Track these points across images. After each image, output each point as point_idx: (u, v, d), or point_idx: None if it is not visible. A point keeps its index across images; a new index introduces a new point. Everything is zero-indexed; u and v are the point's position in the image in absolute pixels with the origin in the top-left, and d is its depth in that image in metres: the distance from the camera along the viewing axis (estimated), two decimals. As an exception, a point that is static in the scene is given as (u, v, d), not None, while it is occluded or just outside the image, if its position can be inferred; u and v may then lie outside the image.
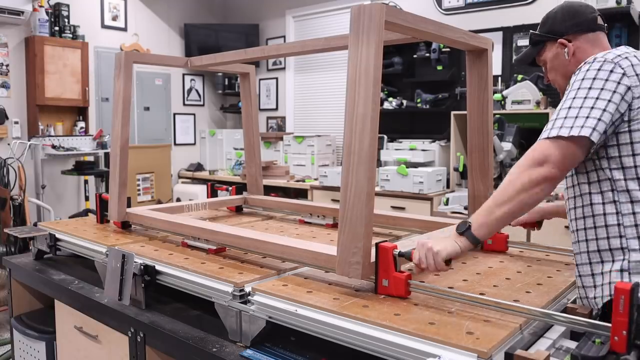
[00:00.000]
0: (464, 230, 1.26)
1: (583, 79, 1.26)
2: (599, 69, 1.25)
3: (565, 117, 1.22)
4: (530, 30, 1.59)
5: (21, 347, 2.17)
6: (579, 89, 1.26)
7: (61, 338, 1.95)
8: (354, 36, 1.28)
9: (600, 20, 1.48)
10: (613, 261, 1.25)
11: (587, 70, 1.27)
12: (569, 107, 1.24)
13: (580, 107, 1.22)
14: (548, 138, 1.22)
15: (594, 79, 1.25)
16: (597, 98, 1.22)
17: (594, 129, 1.19)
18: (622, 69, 1.24)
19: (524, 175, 1.22)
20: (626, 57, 1.27)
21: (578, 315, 1.21)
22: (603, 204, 1.27)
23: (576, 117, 1.21)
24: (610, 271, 1.25)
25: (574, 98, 1.25)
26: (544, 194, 1.22)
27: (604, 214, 1.27)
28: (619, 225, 1.25)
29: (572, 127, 1.20)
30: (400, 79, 5.00)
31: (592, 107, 1.21)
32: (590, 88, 1.24)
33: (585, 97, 1.23)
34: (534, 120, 4.14)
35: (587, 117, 1.20)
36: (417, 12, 1.50)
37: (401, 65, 4.91)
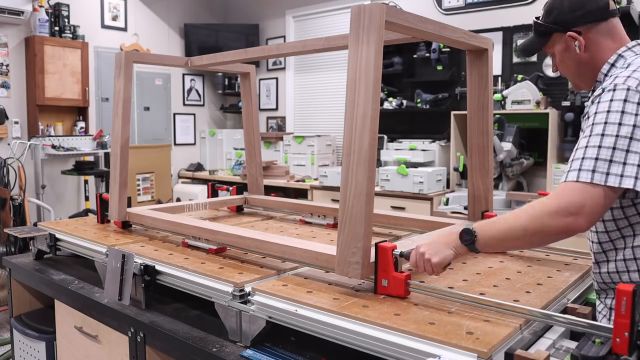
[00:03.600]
0: (468, 242, 1.21)
1: (609, 112, 1.12)
2: (625, 100, 1.12)
3: (597, 159, 1.09)
4: (534, 18, 1.41)
5: (21, 347, 2.17)
6: (606, 123, 1.11)
7: (61, 338, 1.95)
8: (354, 36, 1.28)
9: (612, 5, 1.31)
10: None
11: (611, 100, 1.13)
12: (599, 146, 1.10)
13: (614, 149, 1.09)
14: (578, 181, 1.08)
15: (623, 112, 1.11)
16: (631, 138, 1.09)
17: (636, 177, 1.07)
18: None
19: (548, 220, 1.09)
20: None
21: (578, 316, 1.21)
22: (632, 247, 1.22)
23: (610, 160, 1.08)
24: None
25: (602, 135, 1.11)
26: (559, 240, 1.14)
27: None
28: None
29: (607, 174, 1.07)
30: (400, 79, 5.00)
31: (628, 151, 1.09)
32: (620, 124, 1.10)
33: (617, 136, 1.09)
34: (534, 120, 4.14)
35: (625, 164, 1.08)
36: (417, 12, 1.50)
37: (401, 65, 4.91)
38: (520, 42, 4.36)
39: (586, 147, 1.12)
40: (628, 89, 1.12)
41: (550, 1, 1.37)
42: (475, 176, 1.80)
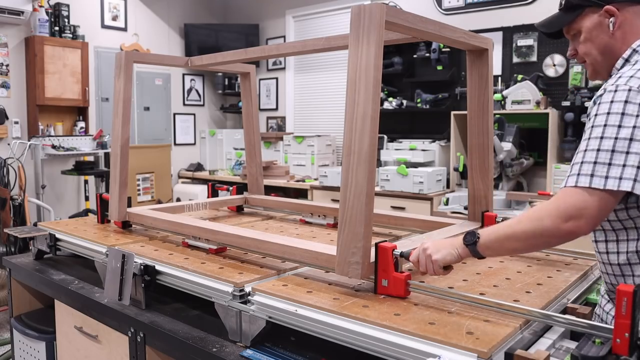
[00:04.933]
0: (470, 243, 1.21)
1: (609, 114, 1.10)
2: (625, 102, 1.09)
3: (595, 162, 1.08)
4: None
5: (21, 347, 2.17)
6: (605, 125, 1.09)
7: (61, 338, 1.95)
8: (354, 36, 1.28)
9: None
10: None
11: (611, 102, 1.11)
12: (598, 150, 1.09)
13: (613, 151, 1.07)
14: (577, 186, 1.08)
15: (623, 114, 1.08)
16: (630, 139, 1.07)
17: (635, 180, 1.05)
18: None
19: (549, 223, 1.10)
20: None
21: (578, 316, 1.21)
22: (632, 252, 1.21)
23: (609, 164, 1.07)
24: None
25: (601, 138, 1.09)
26: (561, 243, 1.14)
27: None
28: None
29: (606, 178, 1.06)
30: (400, 79, 5.00)
31: (628, 152, 1.07)
32: (620, 126, 1.08)
33: (616, 138, 1.08)
34: (534, 120, 4.15)
35: (624, 166, 1.06)
36: (417, 12, 1.50)
37: (401, 65, 4.91)
38: (520, 42, 4.36)
39: (585, 150, 1.11)
40: (629, 90, 1.09)
41: None
42: (475, 176, 1.80)
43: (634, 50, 1.22)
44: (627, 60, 1.23)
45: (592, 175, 1.08)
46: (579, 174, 1.09)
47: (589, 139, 1.12)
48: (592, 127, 1.12)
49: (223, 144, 6.20)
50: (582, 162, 1.10)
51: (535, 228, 1.12)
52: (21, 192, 4.26)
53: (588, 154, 1.10)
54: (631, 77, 1.12)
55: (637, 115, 1.08)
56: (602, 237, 1.26)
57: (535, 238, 1.13)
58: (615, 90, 1.11)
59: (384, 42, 1.30)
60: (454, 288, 1.33)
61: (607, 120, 1.10)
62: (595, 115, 1.13)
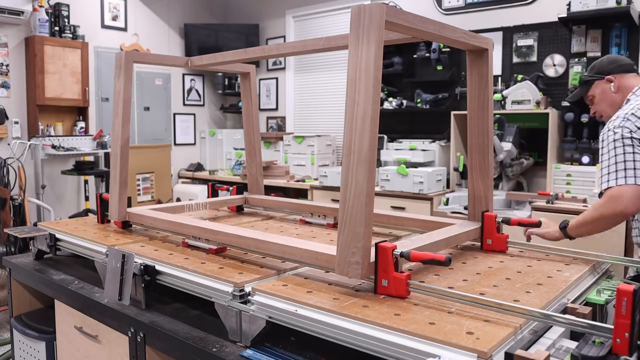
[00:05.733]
0: (562, 227, 1.95)
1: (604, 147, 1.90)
2: (614, 141, 1.87)
3: (616, 170, 1.83)
4: (581, 75, 2.21)
5: (21, 347, 2.18)
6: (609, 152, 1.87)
7: (61, 338, 1.95)
8: (354, 36, 1.28)
9: (634, 66, 2.12)
10: None
11: (603, 141, 1.91)
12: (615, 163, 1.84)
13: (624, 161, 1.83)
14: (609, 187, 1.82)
15: (614, 146, 1.86)
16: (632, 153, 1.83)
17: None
18: (628, 128, 1.85)
19: (603, 210, 1.82)
20: (628, 119, 1.86)
21: (578, 316, 1.21)
22: None
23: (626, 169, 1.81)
24: None
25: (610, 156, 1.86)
26: (618, 223, 1.83)
27: None
28: None
29: (626, 177, 1.79)
30: (400, 79, 5.01)
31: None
32: (615, 148, 1.85)
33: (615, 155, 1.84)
34: (534, 120, 4.15)
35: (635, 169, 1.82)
36: (417, 12, 1.50)
37: (401, 65, 4.92)
38: (520, 42, 4.37)
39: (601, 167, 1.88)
40: (613, 127, 1.88)
41: (592, 63, 2.19)
42: (475, 176, 1.80)
43: (627, 99, 2.02)
44: (628, 100, 2.01)
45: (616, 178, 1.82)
46: (608, 180, 1.84)
47: (601, 162, 1.90)
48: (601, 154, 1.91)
49: (223, 144, 6.20)
50: (608, 173, 1.84)
51: (595, 213, 1.87)
52: (21, 192, 4.26)
53: (605, 169, 1.85)
54: (617, 117, 1.90)
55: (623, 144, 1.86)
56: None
57: (599, 220, 1.85)
58: (607, 131, 1.90)
59: (384, 42, 1.30)
60: (454, 288, 1.33)
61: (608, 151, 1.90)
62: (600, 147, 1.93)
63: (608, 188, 1.80)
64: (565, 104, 3.99)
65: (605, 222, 1.82)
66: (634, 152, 1.80)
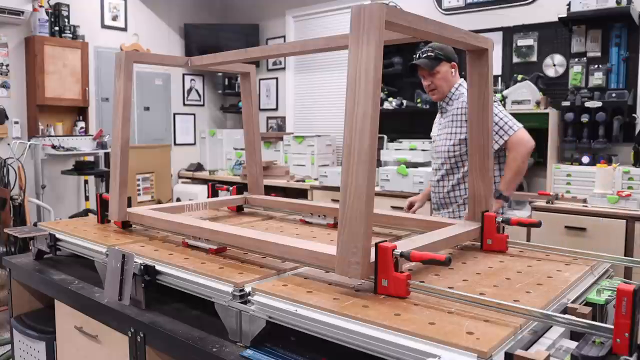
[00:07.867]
0: (498, 196, 2.49)
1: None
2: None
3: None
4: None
5: (21, 347, 2.17)
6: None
7: (61, 338, 1.95)
8: (354, 36, 1.28)
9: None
10: None
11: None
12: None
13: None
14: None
15: None
16: None
17: None
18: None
19: (518, 154, 2.53)
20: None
21: (578, 316, 1.21)
22: None
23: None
24: None
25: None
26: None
27: None
28: None
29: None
30: (400, 79, 5.00)
31: None
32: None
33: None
34: (534, 120, 4.14)
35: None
36: (417, 12, 1.50)
37: (401, 65, 4.91)
38: (520, 42, 4.37)
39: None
40: None
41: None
42: (475, 176, 1.80)
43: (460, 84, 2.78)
44: (457, 89, 2.77)
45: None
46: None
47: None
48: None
49: (223, 144, 6.20)
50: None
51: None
52: (21, 192, 4.27)
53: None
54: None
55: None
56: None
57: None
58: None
59: (384, 42, 1.30)
60: (454, 288, 1.33)
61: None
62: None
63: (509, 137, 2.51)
64: (565, 103, 3.99)
65: (525, 164, 2.50)
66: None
